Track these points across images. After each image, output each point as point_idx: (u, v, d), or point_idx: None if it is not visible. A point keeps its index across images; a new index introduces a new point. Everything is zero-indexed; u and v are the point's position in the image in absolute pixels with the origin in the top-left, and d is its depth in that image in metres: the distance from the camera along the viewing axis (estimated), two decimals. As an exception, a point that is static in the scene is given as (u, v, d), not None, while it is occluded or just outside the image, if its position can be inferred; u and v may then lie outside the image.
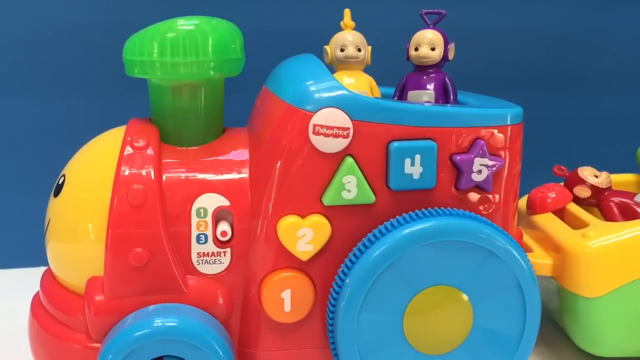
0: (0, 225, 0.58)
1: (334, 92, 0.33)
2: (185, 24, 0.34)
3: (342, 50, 0.38)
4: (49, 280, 0.36)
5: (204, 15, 0.35)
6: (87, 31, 0.55)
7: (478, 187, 0.35)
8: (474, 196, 0.35)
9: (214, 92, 0.36)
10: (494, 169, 0.34)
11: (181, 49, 0.33)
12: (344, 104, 0.32)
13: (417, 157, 0.33)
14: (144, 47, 0.33)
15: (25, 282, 0.49)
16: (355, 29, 0.39)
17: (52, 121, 0.56)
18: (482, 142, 0.34)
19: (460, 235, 0.32)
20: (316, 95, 0.33)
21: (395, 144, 0.33)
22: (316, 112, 0.32)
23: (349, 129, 0.32)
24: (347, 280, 0.32)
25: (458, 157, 0.34)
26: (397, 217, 0.33)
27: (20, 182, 0.57)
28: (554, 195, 0.44)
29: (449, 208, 0.34)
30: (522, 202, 0.45)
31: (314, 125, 0.32)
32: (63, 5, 0.55)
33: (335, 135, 0.32)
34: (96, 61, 0.56)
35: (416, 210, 0.33)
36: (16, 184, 0.57)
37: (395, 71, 0.39)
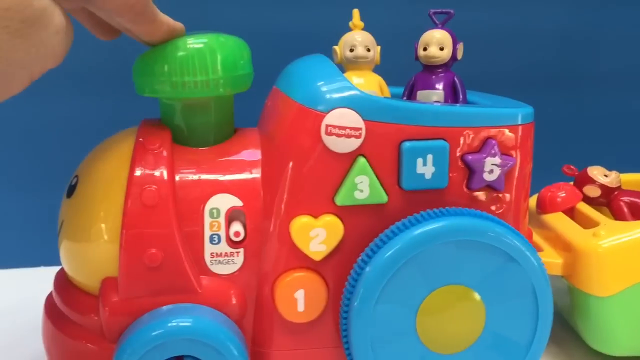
0: (10, 225, 0.58)
1: (346, 92, 0.33)
2: (194, 42, 0.33)
3: (351, 50, 0.38)
4: (63, 280, 0.36)
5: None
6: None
7: (489, 187, 0.35)
8: (485, 196, 0.35)
9: (224, 107, 0.36)
10: (506, 168, 0.34)
11: (191, 68, 0.33)
12: (356, 104, 0.33)
13: (429, 157, 0.33)
14: (154, 68, 0.33)
15: (28, 281, 0.49)
16: (364, 29, 0.39)
17: (64, 122, 0.56)
18: (493, 141, 0.34)
19: (473, 235, 0.33)
20: (328, 96, 0.33)
21: (408, 143, 0.33)
22: (328, 112, 0.32)
23: (361, 129, 0.33)
24: (361, 280, 0.32)
25: (470, 157, 0.34)
26: (409, 217, 0.33)
27: (32, 184, 0.57)
28: (563, 195, 0.44)
29: (460, 208, 0.34)
30: (532, 201, 0.45)
31: (327, 126, 0.32)
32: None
33: (348, 136, 0.33)
34: (106, 62, 0.56)
35: (428, 210, 0.33)
36: (28, 185, 0.57)
37: (404, 71, 0.40)
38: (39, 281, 0.47)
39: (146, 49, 0.34)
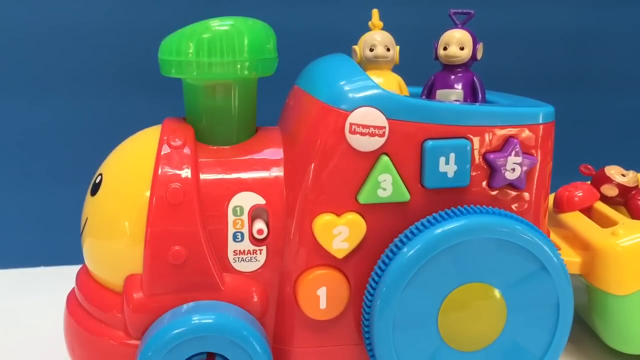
0: (10, 225, 0.58)
1: (370, 91, 0.33)
2: (221, 24, 0.34)
3: (371, 50, 0.38)
4: (85, 277, 0.36)
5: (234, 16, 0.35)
6: (119, 32, 0.56)
7: (511, 185, 0.35)
8: (506, 194, 0.35)
9: (248, 92, 0.36)
10: (528, 167, 0.35)
11: (218, 49, 0.33)
12: (379, 102, 0.33)
13: (452, 156, 0.33)
14: (181, 48, 0.34)
15: (28, 281, 0.49)
16: (383, 28, 0.39)
17: (64, 122, 0.56)
18: (515, 140, 0.34)
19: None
20: (352, 95, 0.33)
21: (430, 142, 0.33)
22: (352, 111, 0.33)
23: (384, 127, 0.33)
24: (383, 278, 0.33)
25: (491, 156, 0.34)
26: (434, 214, 0.33)
27: (33, 184, 0.57)
28: (581, 194, 0.44)
29: (484, 206, 0.34)
30: (549, 200, 0.45)
31: (351, 124, 0.33)
32: (102, 5, 0.55)
33: (372, 134, 0.33)
34: (106, 63, 0.56)
35: (452, 208, 0.33)
36: (29, 185, 0.57)
37: (423, 71, 0.40)
38: (39, 281, 0.47)
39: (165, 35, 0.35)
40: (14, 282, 0.52)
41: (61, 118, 0.56)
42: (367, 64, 0.38)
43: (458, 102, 0.37)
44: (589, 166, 0.46)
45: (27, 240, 0.57)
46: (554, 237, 0.43)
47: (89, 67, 0.56)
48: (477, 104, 0.37)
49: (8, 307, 0.47)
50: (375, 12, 0.39)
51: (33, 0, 0.54)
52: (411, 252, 0.32)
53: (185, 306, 0.33)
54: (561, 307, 0.34)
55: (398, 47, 0.39)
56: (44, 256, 0.54)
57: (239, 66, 0.34)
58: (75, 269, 0.38)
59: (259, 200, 0.34)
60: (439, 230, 0.32)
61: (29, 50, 0.55)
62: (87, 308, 0.35)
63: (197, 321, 0.32)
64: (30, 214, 0.57)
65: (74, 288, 0.37)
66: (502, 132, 0.34)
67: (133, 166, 0.35)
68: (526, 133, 0.35)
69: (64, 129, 0.56)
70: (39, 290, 0.49)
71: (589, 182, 0.46)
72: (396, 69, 0.39)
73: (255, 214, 0.34)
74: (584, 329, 0.44)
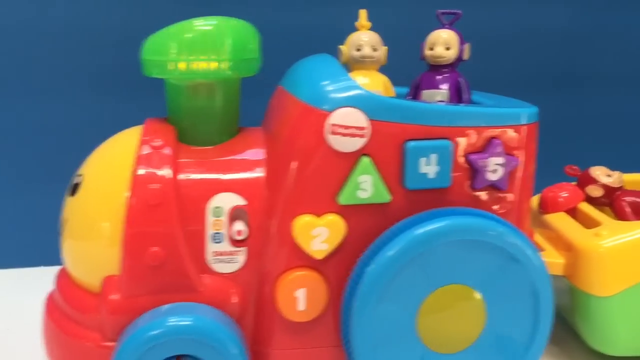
0: (10, 225, 0.58)
1: (351, 91, 0.33)
2: (203, 24, 0.34)
3: (358, 50, 0.38)
4: (64, 279, 0.36)
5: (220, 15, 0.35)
6: (102, 32, 0.55)
7: (493, 186, 0.35)
8: (488, 195, 0.35)
9: (230, 92, 0.36)
10: (509, 168, 0.34)
11: (200, 49, 0.33)
12: (360, 103, 0.33)
13: (433, 157, 0.33)
14: (163, 47, 0.33)
15: (28, 281, 0.49)
16: (371, 29, 0.39)
17: (64, 122, 0.56)
18: (497, 141, 0.34)
19: (475, 235, 0.33)
20: (333, 95, 0.33)
21: (411, 143, 0.33)
22: (333, 111, 0.32)
23: (365, 128, 0.33)
24: (362, 279, 0.32)
25: (473, 157, 0.34)
26: (414, 215, 0.33)
27: (33, 183, 0.57)
28: (566, 195, 0.44)
29: (462, 207, 0.34)
30: (534, 201, 0.45)
31: (331, 125, 0.32)
32: (82, 6, 0.55)
33: (352, 135, 0.32)
34: (105, 62, 0.56)
35: (432, 209, 0.33)
36: (29, 185, 0.57)
37: (411, 71, 0.39)
38: (39, 281, 0.47)
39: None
40: (14, 282, 0.51)
41: (61, 118, 0.56)
42: (354, 64, 0.38)
43: (443, 103, 0.37)
44: (574, 167, 0.46)
45: (27, 240, 0.56)
46: (538, 238, 0.43)
47: (71, 67, 0.55)
48: (460, 104, 0.37)
49: (8, 307, 0.47)
50: (362, 13, 0.39)
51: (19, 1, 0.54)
52: (391, 253, 0.32)
53: (162, 308, 0.33)
54: (539, 293, 0.34)
55: (386, 48, 0.39)
56: (44, 256, 0.54)
57: (221, 66, 0.34)
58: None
59: (239, 201, 0.34)
60: (420, 231, 0.32)
61: (13, 51, 0.55)
62: (65, 309, 0.35)
63: (173, 323, 0.32)
64: (30, 214, 0.57)
65: (54, 289, 0.37)
66: (484, 133, 0.34)
67: (113, 166, 0.34)
68: (509, 134, 0.35)
69: (64, 129, 0.56)
70: (39, 290, 0.49)
71: (574, 183, 0.45)
72: (384, 69, 0.39)
73: (235, 214, 0.34)
74: (567, 330, 0.44)
